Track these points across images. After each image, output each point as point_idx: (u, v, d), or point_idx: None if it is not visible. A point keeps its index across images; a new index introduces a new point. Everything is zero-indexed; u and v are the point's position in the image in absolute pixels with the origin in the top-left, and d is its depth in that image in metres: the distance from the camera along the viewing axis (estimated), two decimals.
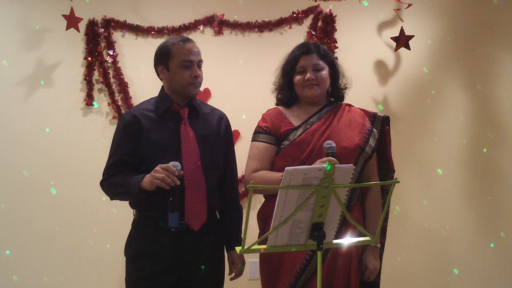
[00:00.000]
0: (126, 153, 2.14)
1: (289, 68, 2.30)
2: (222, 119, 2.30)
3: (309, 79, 2.22)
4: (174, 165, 1.98)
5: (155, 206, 2.07)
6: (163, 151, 2.11)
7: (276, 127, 2.26)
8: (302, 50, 2.27)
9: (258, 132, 2.29)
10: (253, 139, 2.30)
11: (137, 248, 2.14)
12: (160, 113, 2.17)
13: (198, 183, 2.11)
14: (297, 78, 2.26)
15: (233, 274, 2.30)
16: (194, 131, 2.16)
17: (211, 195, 2.15)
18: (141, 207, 2.15)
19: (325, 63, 2.26)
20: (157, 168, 1.97)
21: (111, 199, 2.20)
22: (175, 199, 1.97)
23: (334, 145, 2.01)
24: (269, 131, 2.26)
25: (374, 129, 2.28)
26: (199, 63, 2.18)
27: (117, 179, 2.10)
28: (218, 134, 2.25)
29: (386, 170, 2.35)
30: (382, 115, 2.32)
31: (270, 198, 2.24)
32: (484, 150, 3.51)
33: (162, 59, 2.17)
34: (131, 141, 2.14)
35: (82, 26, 3.29)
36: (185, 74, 2.13)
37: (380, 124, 2.30)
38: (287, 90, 2.32)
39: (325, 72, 2.25)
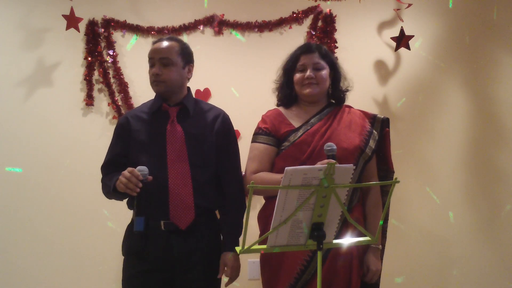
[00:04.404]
0: (115, 154, 2.22)
1: (290, 67, 2.30)
2: (218, 117, 2.26)
3: (308, 77, 2.22)
4: (140, 169, 1.97)
5: (145, 206, 2.08)
6: (149, 151, 2.14)
7: (276, 128, 2.25)
8: (303, 49, 2.28)
9: (258, 134, 2.28)
10: (253, 140, 2.30)
11: (129, 247, 2.17)
12: (151, 113, 2.21)
13: (183, 181, 2.11)
14: (297, 76, 2.26)
15: (227, 278, 2.26)
16: (184, 129, 2.17)
17: (199, 193, 2.13)
18: (132, 206, 2.15)
19: (326, 63, 2.26)
20: (124, 171, 1.98)
21: (107, 198, 2.26)
22: (139, 204, 2.01)
23: (334, 147, 2.00)
24: (269, 132, 2.25)
25: (374, 131, 2.28)
26: (162, 60, 2.15)
27: (105, 179, 2.20)
28: (211, 132, 2.21)
29: (386, 171, 2.35)
30: (382, 117, 2.32)
31: (270, 199, 2.24)
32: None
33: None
34: (120, 143, 2.22)
35: (82, 26, 3.29)
36: (150, 72, 2.19)
37: (380, 125, 2.30)
38: (287, 89, 2.32)
39: (325, 72, 2.25)
